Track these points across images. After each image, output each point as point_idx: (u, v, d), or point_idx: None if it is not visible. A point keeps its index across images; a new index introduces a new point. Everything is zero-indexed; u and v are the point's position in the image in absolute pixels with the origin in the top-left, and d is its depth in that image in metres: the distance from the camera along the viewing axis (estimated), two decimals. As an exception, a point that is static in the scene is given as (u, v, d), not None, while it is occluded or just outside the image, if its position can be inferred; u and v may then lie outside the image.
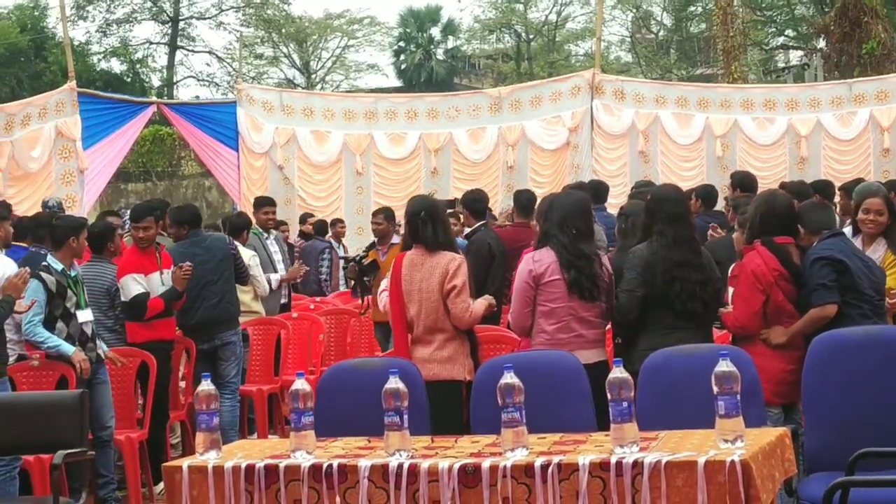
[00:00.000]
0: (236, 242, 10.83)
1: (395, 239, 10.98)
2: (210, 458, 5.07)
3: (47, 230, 9.37)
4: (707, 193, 11.07)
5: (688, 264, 6.78)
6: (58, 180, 15.92)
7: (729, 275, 7.23)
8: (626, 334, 6.89)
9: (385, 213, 11.49)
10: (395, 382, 4.90)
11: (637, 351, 6.50)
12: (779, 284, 6.60)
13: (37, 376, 8.42)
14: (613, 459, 4.51)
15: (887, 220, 7.35)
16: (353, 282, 12.29)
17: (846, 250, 6.68)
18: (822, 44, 28.96)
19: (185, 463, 5.09)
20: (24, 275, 7.66)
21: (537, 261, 6.78)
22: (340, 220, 16.69)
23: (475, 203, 10.73)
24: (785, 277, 6.61)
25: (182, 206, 10.75)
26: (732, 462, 4.35)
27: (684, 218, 6.96)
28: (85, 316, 8.54)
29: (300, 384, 5.07)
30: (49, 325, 8.32)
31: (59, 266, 8.43)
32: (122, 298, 9.16)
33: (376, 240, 11.33)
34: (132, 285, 9.14)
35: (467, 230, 10.61)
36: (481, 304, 7.09)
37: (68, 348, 8.30)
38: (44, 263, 8.54)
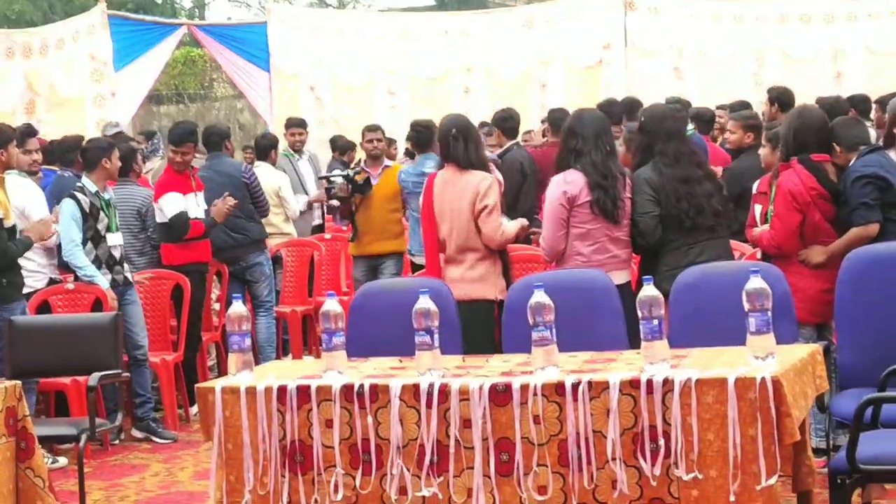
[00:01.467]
0: (264, 167, 10.80)
1: (388, 162, 10.63)
2: (242, 380, 5.09)
3: (76, 153, 9.40)
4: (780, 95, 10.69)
5: (691, 178, 6.76)
6: (90, 104, 15.92)
7: (754, 192, 7.17)
8: (647, 257, 6.84)
9: (382, 132, 10.82)
10: (425, 302, 4.90)
11: (661, 272, 6.46)
12: (816, 203, 6.54)
13: (71, 299, 8.49)
14: (644, 377, 4.51)
15: None
16: (334, 205, 11.90)
17: (887, 165, 6.59)
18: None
19: (217, 384, 5.12)
20: (49, 222, 7.79)
21: (570, 182, 6.71)
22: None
23: (507, 122, 10.63)
24: (823, 196, 6.55)
25: (204, 129, 10.69)
26: (763, 379, 4.34)
27: (681, 133, 6.98)
28: (115, 239, 8.57)
29: (331, 304, 5.08)
30: None
31: (93, 188, 8.46)
32: (162, 218, 9.16)
33: (364, 160, 10.62)
34: (173, 204, 9.14)
35: (499, 150, 10.53)
36: (514, 225, 7.05)
37: (102, 282, 8.34)
38: (78, 184, 8.56)
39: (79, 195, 8.40)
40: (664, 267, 6.57)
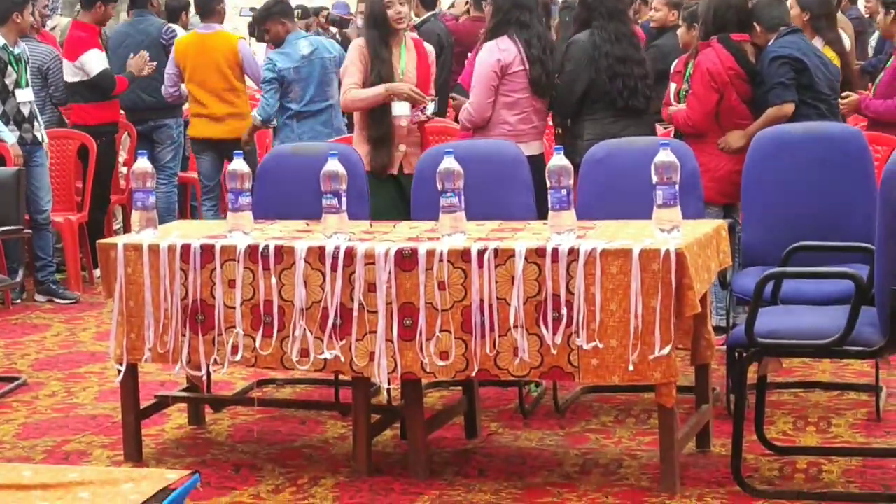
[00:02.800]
0: (175, 27, 10.59)
1: None
2: (146, 237, 5.04)
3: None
4: None
5: (629, 59, 6.74)
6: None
7: (672, 70, 7.17)
8: (571, 125, 6.84)
9: None
10: (334, 165, 4.86)
11: (583, 142, 6.48)
12: (734, 83, 6.53)
13: (-27, 155, 8.31)
14: (549, 246, 4.51)
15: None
16: None
17: (805, 48, 6.60)
18: None
19: (120, 241, 5.07)
20: None
21: (504, 49, 6.59)
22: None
23: None
24: (740, 76, 6.54)
25: None
26: (667, 251, 4.36)
27: (624, 13, 6.94)
28: (24, 95, 8.37)
29: (238, 164, 5.03)
30: None
31: (1, 41, 8.23)
32: (80, 76, 8.96)
33: None
34: (98, 61, 8.96)
35: (416, 20, 10.39)
36: (369, 90, 6.66)
37: (8, 137, 8.15)
38: None
39: None
40: (587, 135, 6.56)
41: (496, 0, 6.73)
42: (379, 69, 6.55)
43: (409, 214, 5.99)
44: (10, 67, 8.24)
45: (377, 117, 6.58)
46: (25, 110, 8.36)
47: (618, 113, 6.70)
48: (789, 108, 6.42)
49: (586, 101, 6.74)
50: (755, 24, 6.70)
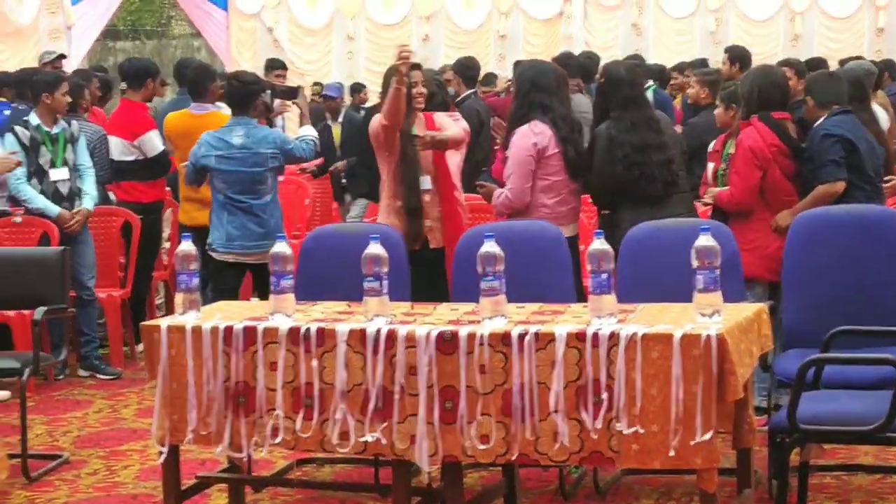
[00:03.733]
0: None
1: None
2: (189, 319, 5.07)
3: (28, 86, 9.28)
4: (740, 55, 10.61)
5: (648, 146, 6.71)
6: (45, 36, 15.73)
7: (710, 150, 7.19)
8: (609, 214, 6.85)
9: None
10: (375, 248, 4.89)
11: (620, 231, 6.45)
12: (776, 160, 6.57)
13: (19, 232, 8.40)
14: (590, 330, 4.52)
15: None
16: None
17: (856, 130, 6.61)
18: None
19: (163, 322, 5.10)
20: (10, 164, 7.80)
21: (538, 133, 6.66)
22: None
23: (467, 70, 10.58)
24: (783, 153, 6.57)
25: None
26: (708, 336, 4.36)
27: (638, 99, 6.90)
28: (59, 174, 8.42)
29: (280, 247, 5.06)
30: None
31: (35, 121, 8.35)
32: (136, 154, 9.07)
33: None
34: (158, 141, 9.10)
35: (458, 98, 10.47)
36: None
37: (53, 209, 8.25)
38: (24, 118, 8.46)
39: (18, 129, 8.30)
40: (624, 225, 6.48)
41: (516, 85, 6.82)
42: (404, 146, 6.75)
43: (438, 291, 6.08)
44: (43, 147, 8.34)
45: (411, 187, 6.68)
46: (63, 189, 8.43)
47: (648, 201, 6.64)
48: (840, 186, 6.40)
49: (619, 191, 6.73)
50: (808, 98, 6.69)
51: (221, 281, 7.62)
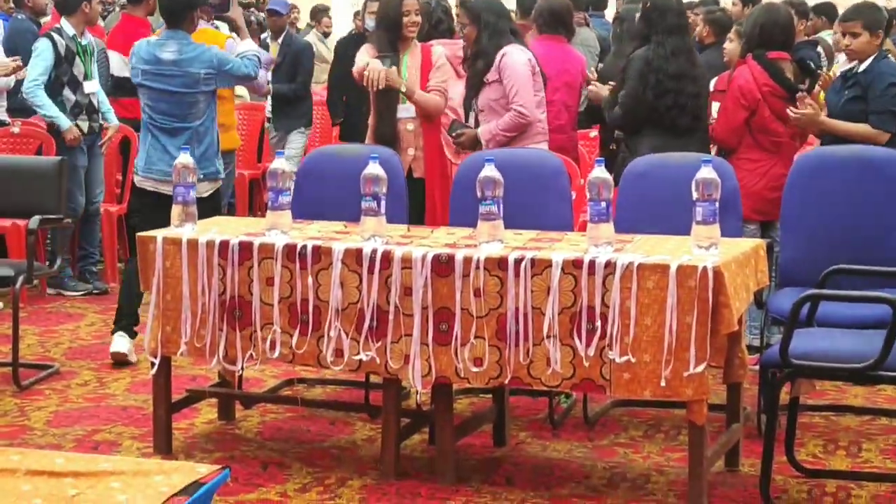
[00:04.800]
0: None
1: None
2: (185, 231, 5.07)
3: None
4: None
5: (684, 76, 6.67)
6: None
7: (713, 88, 7.14)
8: (629, 141, 6.81)
9: None
10: (374, 168, 4.88)
11: (638, 156, 6.37)
12: (767, 101, 6.52)
13: (16, 142, 8.39)
14: (587, 258, 4.51)
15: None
16: None
17: None
18: None
19: (159, 234, 5.10)
20: (11, 66, 7.66)
21: (524, 51, 6.79)
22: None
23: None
24: (776, 93, 6.52)
25: None
26: (704, 268, 4.36)
27: (685, 28, 6.86)
28: (91, 86, 8.36)
29: (279, 163, 5.05)
30: (55, 91, 8.16)
31: (71, 31, 8.26)
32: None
33: None
34: None
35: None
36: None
37: (64, 122, 8.16)
38: (57, 26, 8.35)
39: (56, 36, 8.19)
40: (644, 153, 6.33)
41: (482, 17, 6.81)
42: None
43: (421, 219, 6.10)
44: (77, 58, 8.26)
45: (384, 118, 6.68)
46: (95, 101, 8.37)
47: (673, 131, 6.62)
48: (884, 138, 6.20)
49: (634, 120, 6.71)
50: (857, 22, 6.49)
51: (144, 215, 6.68)
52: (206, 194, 6.43)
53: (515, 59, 6.67)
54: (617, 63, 7.49)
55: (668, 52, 6.66)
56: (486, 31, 6.73)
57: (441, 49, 6.98)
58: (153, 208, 6.38)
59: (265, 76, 7.66)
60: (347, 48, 9.17)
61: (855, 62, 6.40)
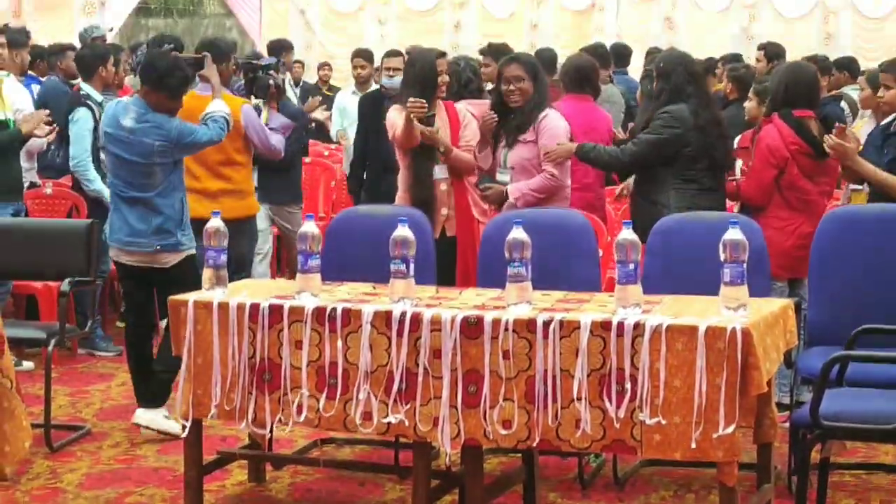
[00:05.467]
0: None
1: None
2: (216, 295, 5.11)
3: (61, 59, 9.36)
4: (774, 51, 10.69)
5: (721, 122, 6.83)
6: (78, 11, 15.79)
7: (735, 146, 7.16)
8: (655, 195, 6.79)
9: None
10: (403, 231, 4.91)
11: (670, 212, 6.39)
12: (795, 159, 6.55)
13: (48, 204, 8.47)
14: (615, 320, 4.53)
15: None
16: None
17: None
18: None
19: (190, 297, 5.13)
20: (41, 117, 7.70)
21: (561, 117, 6.91)
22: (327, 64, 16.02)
23: (505, 54, 10.46)
24: (803, 151, 6.55)
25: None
26: (733, 329, 4.36)
27: (703, 76, 6.98)
28: None
29: (309, 226, 5.08)
30: (93, 157, 8.24)
31: (98, 97, 8.35)
32: None
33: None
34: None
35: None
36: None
37: (104, 189, 8.10)
38: (83, 92, 8.45)
39: (91, 104, 8.28)
40: (675, 207, 6.50)
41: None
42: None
43: (453, 280, 6.16)
44: None
45: (422, 179, 6.73)
46: None
47: (703, 186, 6.68)
48: None
49: (671, 172, 6.72)
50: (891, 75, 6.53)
51: (122, 284, 6.94)
52: (168, 264, 6.47)
53: (556, 122, 6.77)
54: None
55: (706, 100, 6.74)
56: (539, 89, 6.82)
57: (465, 107, 7.05)
58: (124, 281, 6.67)
59: (282, 141, 7.79)
60: (367, 107, 9.15)
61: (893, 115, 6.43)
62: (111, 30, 12.84)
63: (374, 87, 10.38)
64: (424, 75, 6.80)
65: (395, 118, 6.81)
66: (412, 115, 6.56)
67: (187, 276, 6.33)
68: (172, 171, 6.50)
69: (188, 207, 6.64)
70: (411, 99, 6.62)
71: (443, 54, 7.02)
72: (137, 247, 6.48)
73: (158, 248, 6.42)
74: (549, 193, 6.72)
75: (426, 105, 6.62)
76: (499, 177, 6.88)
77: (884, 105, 6.52)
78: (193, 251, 6.54)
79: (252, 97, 8.03)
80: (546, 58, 10.49)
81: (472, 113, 7.07)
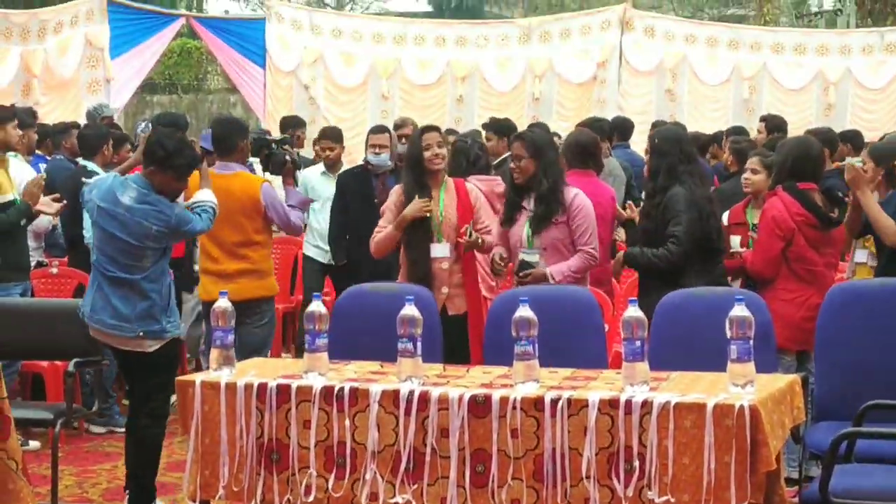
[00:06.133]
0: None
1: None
2: (223, 375, 5.11)
3: (66, 137, 9.46)
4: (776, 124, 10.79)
5: (713, 199, 6.88)
6: (84, 89, 15.90)
7: (726, 222, 7.16)
8: (679, 280, 6.62)
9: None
10: (410, 309, 4.92)
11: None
12: (801, 230, 6.58)
13: (55, 283, 8.48)
14: (623, 397, 4.53)
15: None
16: None
17: None
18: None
19: (198, 378, 5.14)
20: (39, 181, 7.61)
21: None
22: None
23: (507, 130, 10.49)
24: (809, 223, 6.58)
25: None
26: (741, 406, 4.37)
27: (696, 155, 7.07)
28: None
29: (315, 306, 5.10)
30: None
31: (102, 174, 8.38)
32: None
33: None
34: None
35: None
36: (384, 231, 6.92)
37: None
38: (88, 169, 8.50)
39: None
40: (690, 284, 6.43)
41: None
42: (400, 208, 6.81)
43: (455, 356, 6.10)
44: None
45: (417, 260, 6.75)
46: None
47: (708, 258, 6.70)
48: None
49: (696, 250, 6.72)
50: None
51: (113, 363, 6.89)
52: (150, 349, 6.26)
53: (586, 201, 6.80)
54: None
55: (699, 179, 6.77)
56: (545, 167, 6.77)
57: (475, 185, 7.06)
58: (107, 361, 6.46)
59: (301, 217, 7.62)
60: (348, 183, 9.08)
61: None
62: (107, 106, 12.82)
63: (345, 166, 10.11)
64: (412, 154, 6.86)
65: (393, 199, 6.88)
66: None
67: (169, 360, 6.33)
68: (162, 257, 6.30)
69: (174, 292, 6.48)
70: (421, 201, 6.70)
71: (434, 128, 7.01)
72: (120, 331, 6.23)
73: (142, 334, 6.21)
74: (587, 271, 6.80)
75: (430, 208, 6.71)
76: (524, 256, 6.77)
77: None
78: (179, 334, 6.38)
79: (266, 173, 7.88)
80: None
81: (479, 188, 7.10)
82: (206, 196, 6.58)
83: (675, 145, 6.84)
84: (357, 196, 8.70)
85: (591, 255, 6.71)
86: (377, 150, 8.85)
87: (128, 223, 6.15)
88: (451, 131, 11.14)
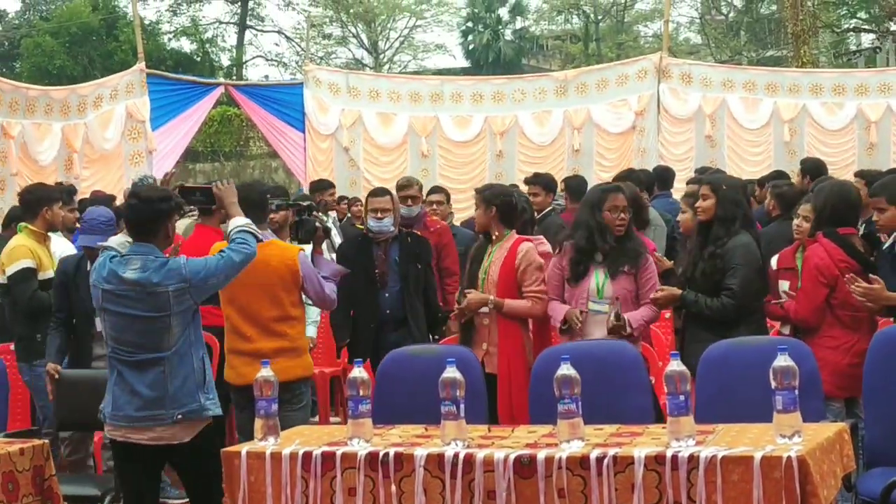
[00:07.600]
0: None
1: None
2: (268, 445, 5.11)
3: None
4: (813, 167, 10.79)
5: (759, 244, 6.92)
6: (127, 161, 16.09)
7: (775, 266, 7.13)
8: (728, 332, 6.57)
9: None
10: (452, 372, 4.91)
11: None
12: (845, 276, 6.53)
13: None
14: (669, 453, 4.49)
15: None
16: None
17: None
18: (894, 27, 28.56)
19: (243, 449, 5.14)
20: None
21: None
22: (349, 198, 15.60)
23: (551, 183, 10.52)
24: (852, 268, 6.53)
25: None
26: (789, 458, 4.32)
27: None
28: None
29: (357, 372, 5.10)
30: None
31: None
32: None
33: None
34: None
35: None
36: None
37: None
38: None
39: None
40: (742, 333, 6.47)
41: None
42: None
43: (493, 414, 6.09)
44: None
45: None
46: None
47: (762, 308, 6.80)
48: None
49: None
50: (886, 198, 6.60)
51: (120, 471, 5.97)
52: (187, 439, 5.66)
53: (652, 260, 7.01)
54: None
55: (758, 234, 6.83)
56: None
57: (527, 247, 7.01)
58: (125, 465, 5.80)
59: (335, 290, 6.83)
60: (347, 252, 8.54)
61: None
62: (153, 178, 12.96)
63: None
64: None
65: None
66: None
67: (209, 450, 5.57)
68: (191, 324, 5.65)
69: (210, 368, 5.84)
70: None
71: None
72: (153, 420, 5.61)
73: (179, 416, 5.60)
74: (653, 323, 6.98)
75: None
76: (593, 306, 6.78)
77: (881, 228, 6.62)
78: (219, 412, 5.84)
79: (296, 241, 7.24)
80: (573, 185, 10.55)
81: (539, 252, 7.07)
82: (238, 222, 5.89)
83: (742, 193, 6.91)
84: (357, 266, 7.97)
85: (653, 311, 6.86)
86: (379, 216, 8.08)
87: (142, 298, 5.56)
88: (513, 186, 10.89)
